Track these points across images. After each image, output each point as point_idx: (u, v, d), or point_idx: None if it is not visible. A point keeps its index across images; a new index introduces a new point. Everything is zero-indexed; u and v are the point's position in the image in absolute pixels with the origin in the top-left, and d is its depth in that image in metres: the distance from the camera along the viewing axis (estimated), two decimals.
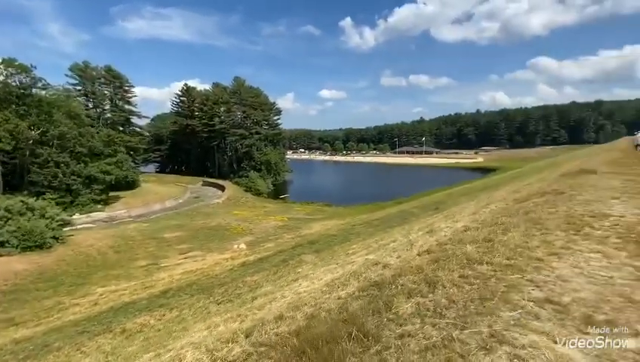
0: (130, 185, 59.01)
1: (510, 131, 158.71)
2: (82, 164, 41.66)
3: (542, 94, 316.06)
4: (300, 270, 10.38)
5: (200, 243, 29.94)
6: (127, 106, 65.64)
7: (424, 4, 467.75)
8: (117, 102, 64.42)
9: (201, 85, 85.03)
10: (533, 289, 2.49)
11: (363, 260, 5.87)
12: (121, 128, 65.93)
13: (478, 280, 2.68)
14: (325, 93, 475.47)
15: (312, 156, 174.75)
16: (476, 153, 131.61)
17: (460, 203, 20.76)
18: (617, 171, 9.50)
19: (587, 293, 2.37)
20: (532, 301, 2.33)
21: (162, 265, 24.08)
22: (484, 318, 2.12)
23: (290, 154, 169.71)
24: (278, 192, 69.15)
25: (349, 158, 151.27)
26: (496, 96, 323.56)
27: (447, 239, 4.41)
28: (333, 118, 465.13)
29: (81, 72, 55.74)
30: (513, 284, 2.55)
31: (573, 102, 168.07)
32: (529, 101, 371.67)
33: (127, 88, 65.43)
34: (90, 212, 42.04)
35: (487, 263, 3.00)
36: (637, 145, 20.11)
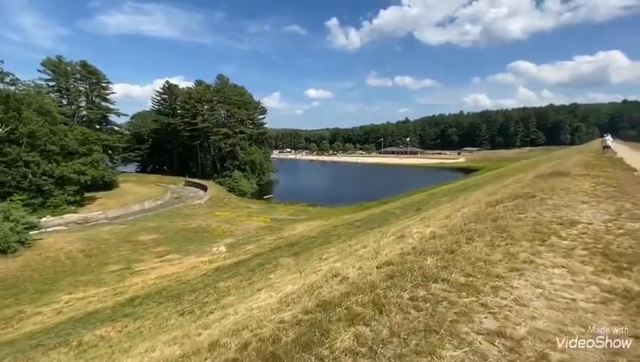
0: (107, 185, 57.06)
1: (492, 132, 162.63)
2: (54, 164, 39.78)
3: (521, 97, 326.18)
4: (271, 276, 9.96)
5: (178, 245, 28.99)
6: (104, 103, 63.30)
7: (408, 6, 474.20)
8: (93, 99, 62.02)
9: (185, 83, 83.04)
10: (485, 317, 2.19)
11: (329, 268, 5.51)
12: (97, 126, 63.58)
13: (428, 304, 2.36)
14: (312, 92, 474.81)
15: (299, 156, 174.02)
16: (459, 153, 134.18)
17: (440, 203, 20.79)
18: (589, 173, 9.52)
19: (545, 322, 2.08)
20: (482, 334, 2.02)
21: (136, 269, 23.09)
22: (421, 359, 1.79)
23: (276, 154, 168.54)
24: (262, 192, 68.22)
25: (335, 158, 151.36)
26: (478, 98, 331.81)
27: (411, 248, 4.11)
28: (319, 117, 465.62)
29: (55, 67, 53.27)
30: (465, 311, 2.24)
31: (551, 105, 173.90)
32: (509, 103, 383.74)
33: (104, 85, 63.05)
34: (63, 214, 40.23)
35: (442, 281, 2.69)
36: (605, 147, 20.72)
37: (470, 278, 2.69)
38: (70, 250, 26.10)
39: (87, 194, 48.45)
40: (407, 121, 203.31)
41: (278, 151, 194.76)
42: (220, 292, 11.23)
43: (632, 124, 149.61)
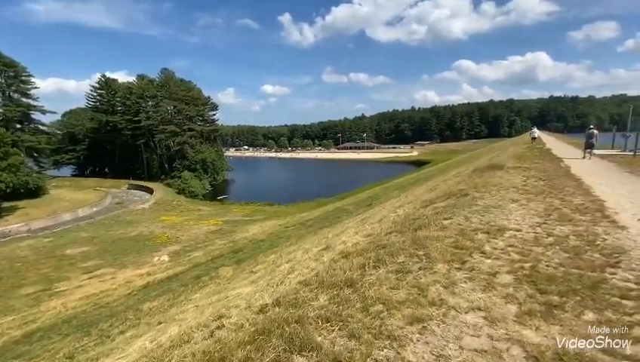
0: (33, 192, 50.46)
1: (440, 126, 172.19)
2: None
3: (465, 93, 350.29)
4: (197, 295, 8.70)
5: (113, 258, 25.96)
6: (24, 100, 55.65)
7: (359, 4, 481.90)
8: (11, 94, 54.19)
9: (129, 77, 75.81)
10: None
11: (234, 295, 4.49)
12: (18, 126, 55.81)
13: None
14: (268, 88, 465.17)
15: (257, 153, 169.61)
16: (412, 147, 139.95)
17: (389, 198, 20.72)
18: (521, 166, 9.57)
19: None
20: None
21: (57, 289, 20.05)
22: None
23: (232, 152, 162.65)
24: (217, 193, 64.83)
25: (294, 155, 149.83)
26: (427, 95, 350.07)
27: (314, 274, 3.24)
28: (277, 114, 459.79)
29: None
30: None
31: (491, 101, 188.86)
32: (455, 99, 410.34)
33: (24, 78, 55.40)
34: None
35: (311, 350, 1.83)
36: (533, 138, 23.25)
37: (352, 343, 1.83)
38: None
39: (6, 204, 42.28)
40: (363, 116, 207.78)
41: (234, 149, 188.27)
42: (138, 317, 9.69)
43: (558, 117, 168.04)
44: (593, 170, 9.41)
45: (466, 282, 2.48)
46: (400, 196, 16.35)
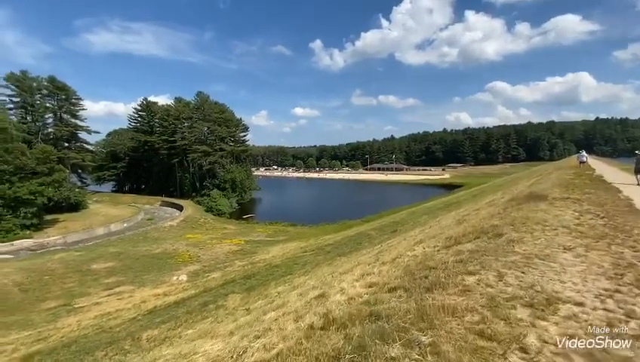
0: (74, 206, 54.00)
1: (474, 149, 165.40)
2: (7, 184, 36.79)
3: (501, 115, 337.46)
4: (188, 332, 7.91)
5: (134, 275, 26.23)
6: (73, 120, 60.63)
7: (389, 30, 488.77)
8: (61, 115, 59.31)
9: (171, 101, 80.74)
10: None
11: (200, 353, 3.64)
12: (66, 144, 60.66)
13: None
14: (299, 111, 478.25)
15: (285, 173, 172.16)
16: (443, 170, 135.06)
17: (418, 223, 19.17)
18: (569, 196, 8.03)
19: None
20: None
21: (77, 305, 20.26)
22: None
23: (262, 171, 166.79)
24: (244, 212, 65.67)
25: (321, 175, 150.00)
26: (460, 116, 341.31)
27: (275, 354, 2.30)
28: (307, 135, 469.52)
29: (18, 82, 50.62)
30: None
31: (529, 123, 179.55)
32: (489, 121, 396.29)
33: (74, 101, 60.66)
34: (15, 239, 37.00)
35: None
36: (581, 162, 21.76)
37: None
38: (4, 284, 23.00)
39: (49, 217, 45.23)
40: (392, 138, 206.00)
41: (264, 168, 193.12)
42: (132, 348, 9.04)
43: (605, 140, 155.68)
44: None
45: None
46: (425, 224, 14.92)
